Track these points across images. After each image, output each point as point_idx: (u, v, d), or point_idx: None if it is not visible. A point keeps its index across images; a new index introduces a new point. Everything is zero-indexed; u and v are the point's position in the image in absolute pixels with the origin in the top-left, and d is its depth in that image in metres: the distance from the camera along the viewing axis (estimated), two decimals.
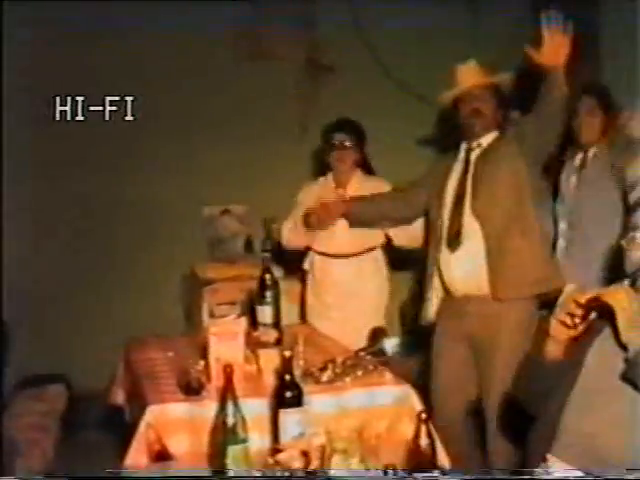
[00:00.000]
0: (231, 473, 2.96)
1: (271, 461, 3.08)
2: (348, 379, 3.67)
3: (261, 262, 4.34)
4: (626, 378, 2.73)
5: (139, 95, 6.07)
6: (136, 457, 3.33)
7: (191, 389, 3.49)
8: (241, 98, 6.64)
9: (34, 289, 6.23)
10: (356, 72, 6.73)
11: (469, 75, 4.57)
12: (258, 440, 3.23)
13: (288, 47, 6.71)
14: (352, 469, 2.87)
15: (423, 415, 2.96)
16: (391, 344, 3.88)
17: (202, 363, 3.65)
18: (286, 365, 3.24)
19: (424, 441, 2.92)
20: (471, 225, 4.45)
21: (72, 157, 6.41)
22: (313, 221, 5.09)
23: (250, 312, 5.21)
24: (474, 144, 4.61)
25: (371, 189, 5.25)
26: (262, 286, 4.14)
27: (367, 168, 5.46)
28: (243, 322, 3.80)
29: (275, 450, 3.15)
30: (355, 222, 5.15)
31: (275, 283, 4.17)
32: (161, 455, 3.36)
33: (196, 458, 3.31)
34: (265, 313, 4.09)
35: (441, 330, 4.66)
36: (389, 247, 5.45)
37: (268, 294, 4.11)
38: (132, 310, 6.42)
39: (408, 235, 5.29)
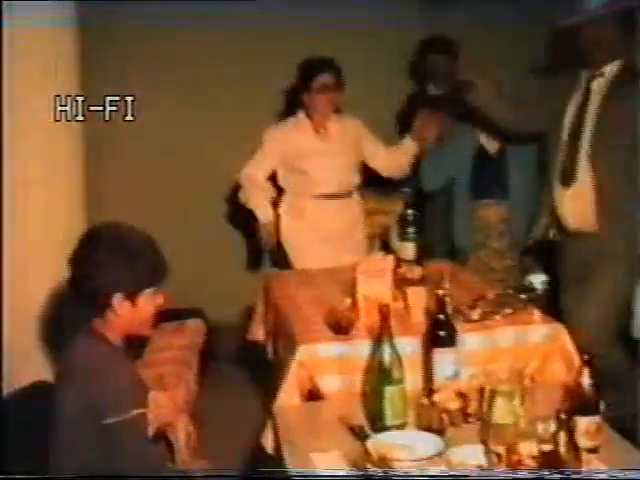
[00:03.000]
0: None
1: (426, 402, 3.03)
2: (498, 317, 3.61)
3: (402, 198, 4.26)
4: None
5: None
6: (288, 396, 3.34)
7: (341, 328, 3.46)
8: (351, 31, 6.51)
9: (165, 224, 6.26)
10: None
11: None
12: (410, 380, 3.16)
13: None
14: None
15: (586, 356, 2.86)
16: (539, 280, 3.78)
17: (348, 301, 3.62)
18: (440, 304, 3.17)
19: (587, 383, 2.83)
20: (585, 165, 4.25)
21: None
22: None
23: (383, 247, 5.22)
24: (596, 72, 4.32)
25: (351, 128, 5.26)
26: (405, 222, 4.06)
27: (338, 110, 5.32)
28: (391, 259, 3.74)
29: (430, 391, 3.11)
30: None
31: (417, 219, 4.10)
32: (312, 394, 3.37)
33: (347, 397, 3.30)
34: (408, 250, 4.01)
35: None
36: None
37: (411, 230, 4.03)
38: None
39: (394, 164, 5.31)
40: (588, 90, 4.34)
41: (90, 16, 4.93)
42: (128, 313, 2.88)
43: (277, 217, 5.31)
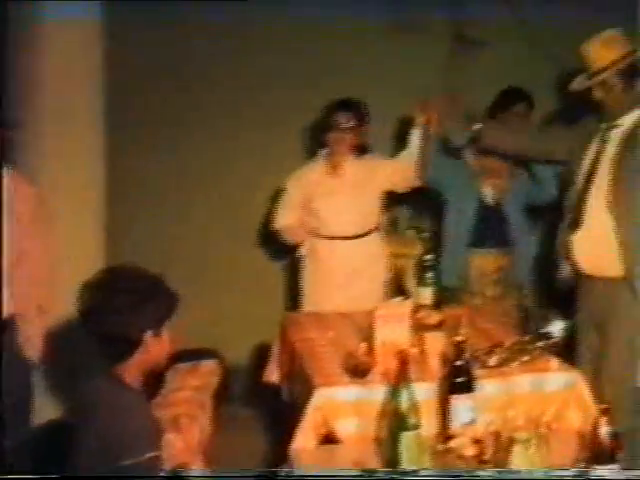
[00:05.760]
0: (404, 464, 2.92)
1: (442, 448, 3.04)
2: (515, 364, 3.60)
3: (421, 242, 4.28)
4: None
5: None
6: (304, 439, 3.33)
7: (358, 372, 3.46)
8: (388, 70, 6.54)
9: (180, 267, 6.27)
10: (507, 45, 6.51)
11: (603, 51, 4.22)
12: (426, 426, 3.15)
13: (437, 21, 6.55)
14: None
15: (603, 405, 2.86)
16: (557, 327, 3.77)
17: (365, 345, 3.61)
18: (458, 350, 3.18)
19: (604, 432, 2.82)
20: (599, 212, 4.22)
21: None
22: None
23: (398, 291, 5.22)
24: (612, 123, 4.31)
25: (367, 170, 5.24)
26: (423, 267, 4.07)
27: (362, 149, 5.33)
28: (409, 304, 3.74)
29: (446, 437, 3.10)
30: (487, 149, 4.96)
31: (436, 264, 4.11)
32: (328, 438, 3.36)
33: (363, 442, 3.30)
34: (426, 294, 4.02)
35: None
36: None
37: (429, 275, 4.05)
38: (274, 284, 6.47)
39: (403, 174, 5.23)
40: (605, 139, 4.33)
41: None
42: (155, 348, 2.94)
43: (298, 259, 5.42)
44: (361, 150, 5.30)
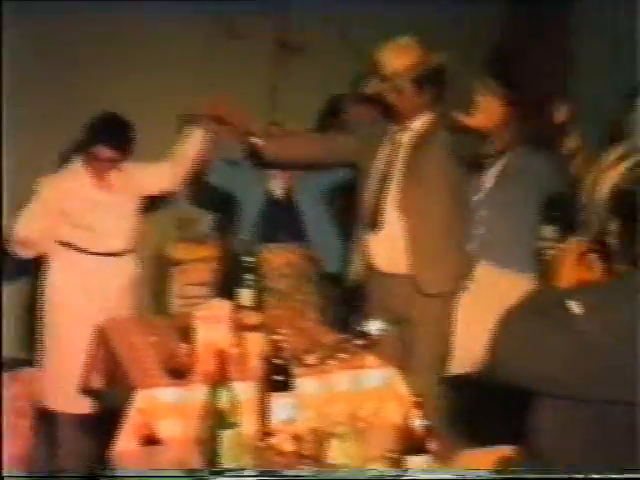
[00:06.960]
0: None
1: (262, 445, 3.08)
2: (333, 362, 3.68)
3: (240, 244, 4.30)
4: None
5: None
6: (126, 442, 3.31)
7: (178, 373, 3.48)
8: (211, 77, 6.56)
9: None
10: (327, 51, 6.62)
11: (396, 57, 4.37)
12: (247, 424, 3.20)
13: (258, 27, 6.61)
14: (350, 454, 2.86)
15: (416, 398, 2.96)
16: (376, 326, 3.87)
17: (185, 346, 3.63)
18: (276, 349, 3.24)
19: (417, 424, 2.92)
20: (393, 213, 4.42)
21: None
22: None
23: (223, 293, 5.22)
24: (403, 126, 4.50)
25: (126, 179, 5.07)
26: (242, 269, 4.09)
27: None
28: (227, 305, 3.77)
29: (266, 434, 3.15)
30: (269, 161, 5.01)
31: (256, 265, 4.14)
32: (150, 440, 3.37)
33: (185, 442, 3.31)
34: (245, 296, 4.04)
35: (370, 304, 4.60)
36: None
37: (248, 277, 4.07)
38: None
39: (158, 181, 5.22)
40: (397, 142, 4.50)
41: None
42: None
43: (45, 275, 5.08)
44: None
